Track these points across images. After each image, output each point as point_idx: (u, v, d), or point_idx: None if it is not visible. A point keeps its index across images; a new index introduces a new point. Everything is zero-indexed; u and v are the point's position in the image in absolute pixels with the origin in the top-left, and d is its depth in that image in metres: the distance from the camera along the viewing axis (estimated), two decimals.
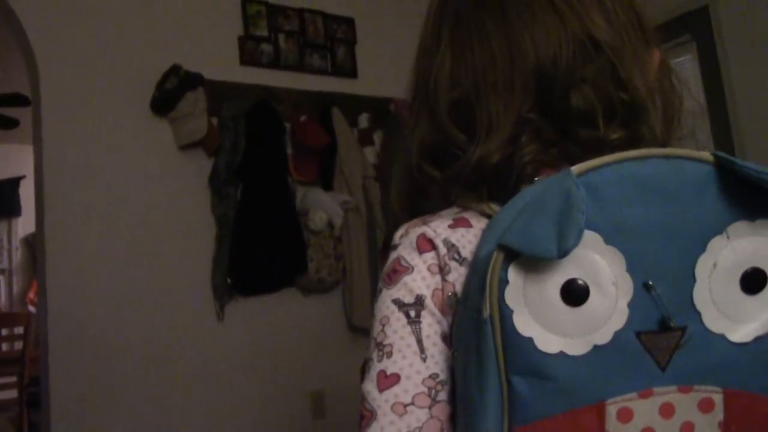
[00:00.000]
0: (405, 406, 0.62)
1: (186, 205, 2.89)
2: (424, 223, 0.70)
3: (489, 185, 0.69)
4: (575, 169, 0.56)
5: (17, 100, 4.84)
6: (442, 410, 0.63)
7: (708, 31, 3.71)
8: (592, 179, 0.56)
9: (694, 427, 0.57)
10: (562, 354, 0.55)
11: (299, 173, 3.12)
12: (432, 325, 0.66)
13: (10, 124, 5.40)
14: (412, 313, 0.66)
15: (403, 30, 3.73)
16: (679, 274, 0.56)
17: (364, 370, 0.69)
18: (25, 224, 7.01)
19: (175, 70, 2.89)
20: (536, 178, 0.66)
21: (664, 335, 0.56)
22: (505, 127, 0.69)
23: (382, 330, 0.67)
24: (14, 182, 6.99)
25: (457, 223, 0.69)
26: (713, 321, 0.57)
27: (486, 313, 0.55)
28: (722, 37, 3.65)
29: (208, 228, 2.90)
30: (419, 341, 0.65)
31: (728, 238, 0.57)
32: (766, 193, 0.55)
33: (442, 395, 0.63)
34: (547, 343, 0.55)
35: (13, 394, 4.39)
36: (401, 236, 0.71)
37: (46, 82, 2.71)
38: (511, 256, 0.55)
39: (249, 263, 2.90)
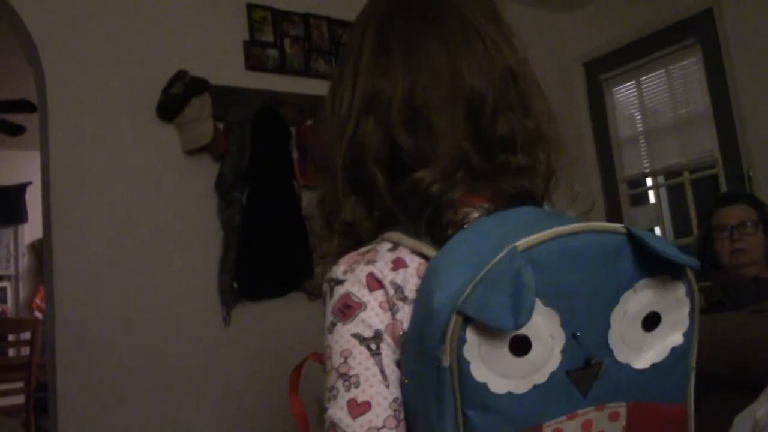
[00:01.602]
0: (378, 429, 0.73)
1: (192, 210, 2.90)
2: (369, 263, 0.80)
3: (427, 218, 0.80)
4: (520, 245, 0.69)
5: (23, 106, 4.85)
6: (403, 428, 0.75)
7: (713, 34, 3.71)
8: (536, 256, 0.69)
9: None
10: (509, 393, 0.69)
11: (305, 178, 3.13)
12: (389, 356, 0.76)
13: (17, 130, 5.42)
14: (373, 346, 0.76)
15: None
16: (599, 322, 0.72)
17: (326, 399, 0.77)
18: (31, 230, 7.03)
19: (181, 75, 2.90)
20: (461, 212, 0.80)
21: (587, 371, 0.72)
22: (446, 151, 0.81)
23: (345, 362, 0.76)
24: (20, 188, 7.01)
25: (397, 264, 0.79)
26: (622, 354, 0.73)
27: (446, 363, 0.68)
28: (727, 40, 3.64)
29: (215, 232, 2.91)
30: (382, 371, 0.76)
31: (635, 291, 0.73)
32: (657, 257, 0.71)
33: (401, 415, 0.75)
34: (497, 386, 0.68)
35: (20, 399, 4.39)
36: (345, 272, 0.81)
37: (52, 88, 2.72)
38: (468, 320, 0.67)
39: (255, 267, 2.91)
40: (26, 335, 4.68)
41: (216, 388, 2.81)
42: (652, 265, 0.73)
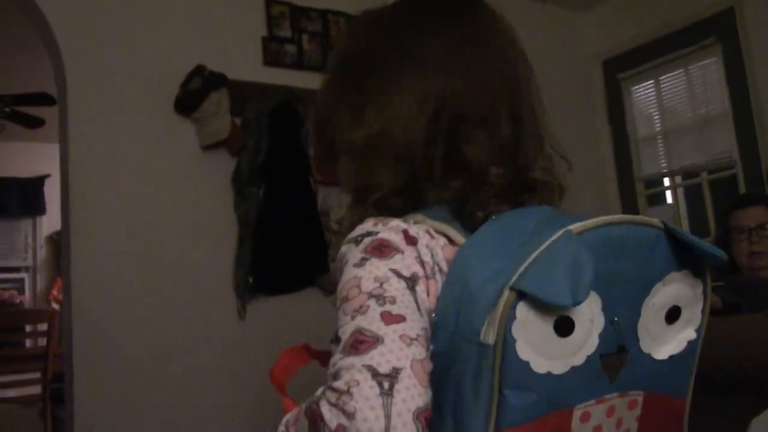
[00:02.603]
0: (411, 339, 0.69)
1: (209, 205, 2.92)
2: (401, 222, 0.80)
3: (458, 206, 0.83)
4: (574, 228, 0.72)
5: (43, 99, 4.90)
6: (429, 360, 0.71)
7: (733, 33, 3.68)
8: (587, 238, 0.72)
9: (623, 421, 0.76)
10: (548, 374, 0.69)
11: (321, 173, 3.13)
12: (423, 301, 0.75)
13: (36, 123, 5.47)
14: (410, 284, 0.74)
15: None
16: (632, 311, 0.75)
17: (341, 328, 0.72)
18: (49, 222, 7.09)
19: (199, 70, 2.91)
20: (492, 215, 0.82)
21: (618, 357, 0.74)
22: (484, 163, 0.85)
23: (381, 286, 0.73)
24: (39, 181, 7.08)
25: (429, 234, 0.80)
26: (645, 344, 0.76)
27: (491, 340, 0.68)
28: (748, 38, 3.61)
29: (231, 227, 2.92)
30: (417, 304, 0.73)
31: (664, 284, 0.76)
32: (691, 249, 0.76)
33: (428, 350, 0.72)
34: (539, 365, 0.69)
35: (37, 389, 4.44)
36: (375, 224, 0.79)
37: (72, 81, 2.75)
38: (520, 297, 0.67)
39: (271, 262, 2.92)
40: (43, 326, 4.72)
41: (230, 381, 2.82)
42: (681, 261, 0.77)
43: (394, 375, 0.66)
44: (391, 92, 0.87)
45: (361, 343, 0.68)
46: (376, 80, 0.89)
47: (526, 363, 0.68)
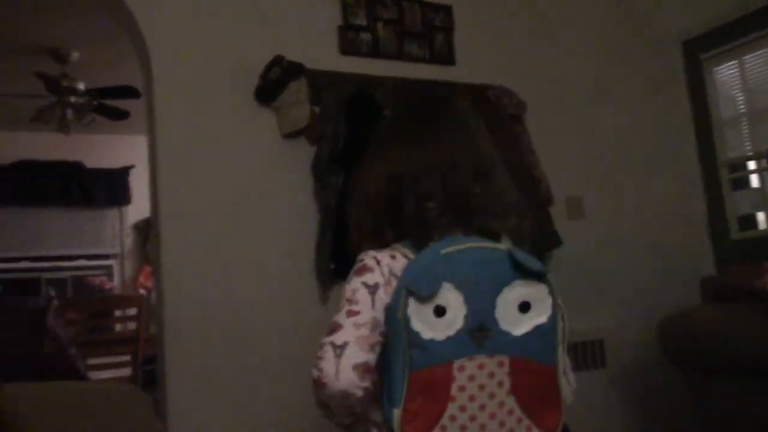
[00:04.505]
0: (360, 325, 1.23)
1: (290, 193, 2.98)
2: (376, 252, 1.33)
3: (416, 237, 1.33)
4: (443, 251, 1.22)
5: (128, 92, 5.07)
6: (376, 337, 1.24)
7: None
8: (452, 257, 1.21)
9: (494, 374, 1.19)
10: (432, 339, 1.18)
11: None
12: (380, 300, 1.27)
13: (122, 115, 5.67)
14: (372, 290, 1.28)
15: (500, 17, 3.72)
16: (489, 303, 1.19)
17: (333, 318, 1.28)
18: (134, 211, 7.34)
19: (278, 60, 2.97)
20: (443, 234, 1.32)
21: (480, 332, 1.19)
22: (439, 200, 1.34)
23: (353, 294, 1.28)
24: (124, 171, 7.33)
25: (393, 258, 1.31)
26: (504, 325, 1.19)
27: (400, 317, 1.19)
28: None
29: (312, 214, 2.97)
30: (372, 302, 1.27)
31: (510, 287, 1.20)
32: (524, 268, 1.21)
33: (377, 330, 1.24)
34: (426, 334, 1.18)
35: (127, 372, 4.61)
36: (364, 255, 1.34)
37: (158, 74, 2.84)
38: (410, 292, 1.19)
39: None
40: (132, 311, 4.90)
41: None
42: (523, 271, 1.21)
43: (343, 346, 1.20)
44: (371, 167, 1.43)
45: (333, 329, 1.24)
46: (365, 158, 1.50)
47: (418, 333, 1.18)
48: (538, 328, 1.19)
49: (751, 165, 4.12)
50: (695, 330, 2.67)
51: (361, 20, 3.31)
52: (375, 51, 3.32)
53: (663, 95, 4.19)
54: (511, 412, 1.18)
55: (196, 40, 2.93)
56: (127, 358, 4.58)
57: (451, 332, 1.17)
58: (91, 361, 4.51)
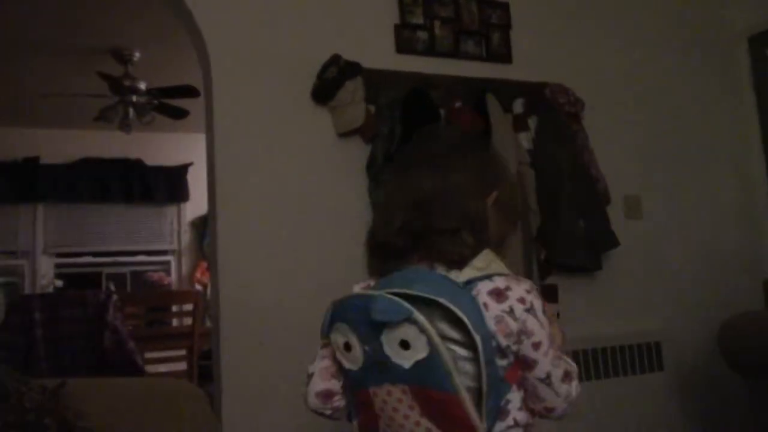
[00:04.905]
0: (323, 357, 1.49)
1: (345, 192, 2.99)
2: (358, 283, 1.54)
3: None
4: (335, 301, 1.37)
5: (188, 91, 5.16)
6: (334, 367, 1.45)
7: None
8: (346, 300, 1.35)
9: (402, 400, 1.28)
10: (350, 369, 1.35)
11: None
12: None
13: (181, 114, 5.77)
14: None
15: (557, 14, 3.66)
16: (376, 342, 1.27)
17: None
18: (192, 208, 7.47)
19: (335, 59, 2.99)
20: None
21: (379, 364, 1.28)
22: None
23: (322, 326, 1.43)
24: (183, 169, 7.46)
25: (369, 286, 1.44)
26: (395, 359, 1.25)
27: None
28: None
29: (367, 213, 2.97)
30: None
31: (389, 329, 1.24)
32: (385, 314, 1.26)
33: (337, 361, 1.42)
34: (346, 365, 1.35)
35: (183, 366, 4.71)
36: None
37: (217, 74, 2.88)
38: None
39: None
40: (188, 306, 4.99)
41: None
42: (397, 317, 1.25)
43: (311, 375, 1.48)
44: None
45: (314, 357, 1.50)
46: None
47: (341, 363, 1.37)
48: (419, 363, 1.23)
49: None
50: (758, 334, 2.59)
51: (418, 19, 3.30)
52: (431, 49, 3.30)
53: (727, 91, 4.08)
54: (429, 430, 1.27)
55: (254, 39, 2.95)
56: (182, 352, 4.67)
57: (360, 364, 1.31)
58: (149, 355, 4.63)
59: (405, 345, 1.23)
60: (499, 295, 1.29)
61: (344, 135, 3.02)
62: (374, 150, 3.03)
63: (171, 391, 2.01)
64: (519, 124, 3.34)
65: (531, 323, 1.29)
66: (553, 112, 3.38)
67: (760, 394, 2.64)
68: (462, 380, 1.22)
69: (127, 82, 5.37)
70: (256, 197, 2.85)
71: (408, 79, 3.16)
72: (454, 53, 3.34)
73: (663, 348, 3.45)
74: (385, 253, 1.44)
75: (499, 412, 1.29)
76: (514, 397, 1.32)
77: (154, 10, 4.38)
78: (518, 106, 3.38)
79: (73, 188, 7.08)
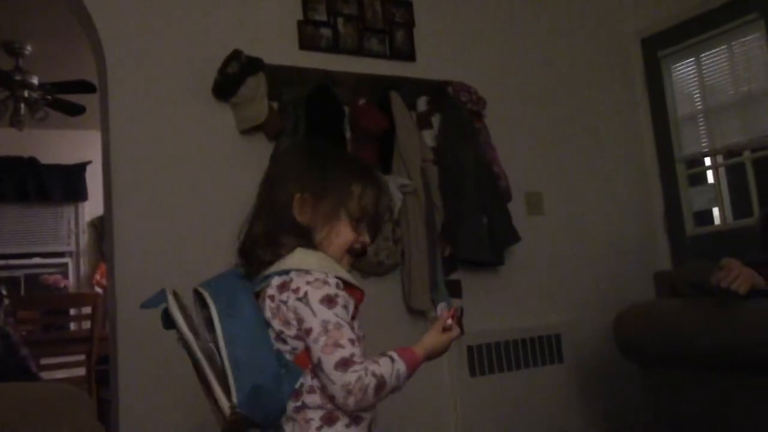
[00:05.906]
0: None
1: (248, 189, 2.92)
2: None
3: None
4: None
5: (83, 86, 4.97)
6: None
7: None
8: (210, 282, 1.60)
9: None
10: None
11: (357, 156, 3.13)
12: None
13: (77, 110, 5.56)
14: None
15: (461, 12, 3.71)
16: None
17: None
18: (91, 208, 7.21)
19: (236, 55, 2.93)
20: None
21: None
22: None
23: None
24: (81, 167, 7.20)
25: None
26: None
27: None
28: None
29: None
30: None
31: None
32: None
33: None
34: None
35: (82, 371, 4.54)
36: None
37: (112, 68, 2.78)
38: None
39: None
40: (87, 310, 4.81)
41: None
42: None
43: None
44: None
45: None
46: None
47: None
48: (180, 340, 1.52)
49: (708, 161, 4.19)
50: (648, 323, 2.70)
51: (321, 15, 3.28)
52: (335, 46, 3.29)
53: (621, 92, 4.23)
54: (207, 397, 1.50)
55: (151, 33, 2.87)
56: (81, 357, 4.50)
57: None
58: (45, 361, 4.43)
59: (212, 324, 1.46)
60: (282, 287, 1.43)
61: (247, 132, 2.97)
62: (278, 147, 2.99)
63: (53, 396, 1.93)
64: (423, 121, 3.37)
65: (302, 311, 1.37)
66: (456, 110, 3.43)
67: (652, 381, 2.75)
68: (215, 359, 1.42)
69: (17, 76, 5.13)
70: (154, 195, 2.77)
71: (312, 76, 3.14)
72: (358, 51, 3.34)
73: (563, 340, 3.55)
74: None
75: (294, 394, 1.38)
76: (307, 381, 1.38)
77: (47, 2, 4.21)
78: (422, 104, 3.40)
79: None
